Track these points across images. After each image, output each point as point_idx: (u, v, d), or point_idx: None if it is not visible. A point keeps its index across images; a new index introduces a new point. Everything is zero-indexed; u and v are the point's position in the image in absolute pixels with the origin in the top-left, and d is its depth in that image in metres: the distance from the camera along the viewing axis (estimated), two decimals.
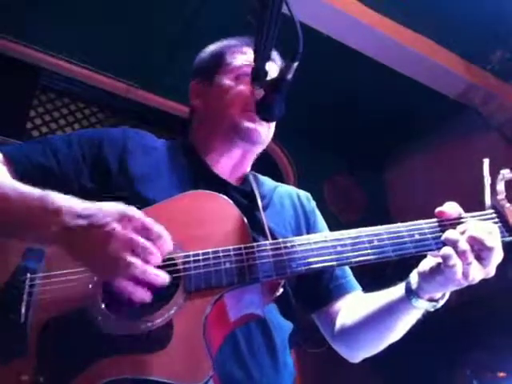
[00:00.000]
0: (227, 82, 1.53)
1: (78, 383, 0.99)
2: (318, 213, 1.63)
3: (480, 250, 1.08)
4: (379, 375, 3.89)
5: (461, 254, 1.06)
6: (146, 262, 1.00)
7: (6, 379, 1.02)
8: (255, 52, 1.21)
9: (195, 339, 1.02)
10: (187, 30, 3.37)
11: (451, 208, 1.19)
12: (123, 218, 1.00)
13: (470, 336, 3.68)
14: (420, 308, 1.20)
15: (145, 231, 1.01)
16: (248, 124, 1.46)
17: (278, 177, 4.35)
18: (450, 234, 1.11)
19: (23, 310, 1.07)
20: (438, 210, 1.19)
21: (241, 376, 1.19)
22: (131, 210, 1.03)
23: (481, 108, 3.93)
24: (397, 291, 1.26)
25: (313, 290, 1.48)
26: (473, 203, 1.20)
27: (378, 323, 1.33)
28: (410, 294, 1.19)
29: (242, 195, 1.45)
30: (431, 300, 1.18)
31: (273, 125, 1.56)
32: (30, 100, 3.66)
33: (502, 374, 3.69)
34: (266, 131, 1.51)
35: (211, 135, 1.54)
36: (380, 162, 4.72)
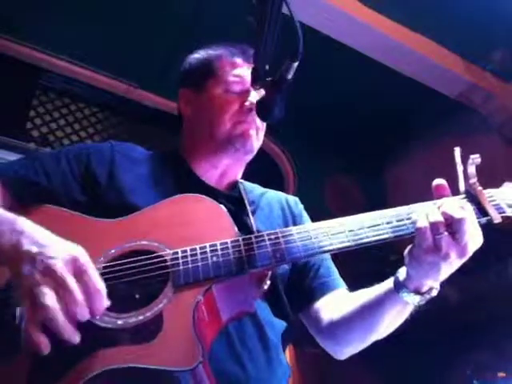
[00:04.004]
0: (218, 92, 1.54)
1: (69, 377, 1.00)
2: (305, 215, 1.65)
3: (452, 224, 1.07)
4: (379, 375, 3.90)
5: (432, 225, 1.07)
6: (66, 310, 0.97)
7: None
8: (255, 52, 1.21)
9: (184, 329, 1.03)
10: (187, 31, 3.37)
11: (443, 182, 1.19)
12: (72, 260, 1.00)
13: (470, 336, 3.69)
14: (407, 301, 1.21)
15: (85, 280, 0.99)
16: (240, 133, 1.49)
17: (278, 177, 4.35)
18: (422, 207, 1.13)
19: (18, 312, 1.07)
20: (435, 184, 1.18)
21: (236, 370, 1.20)
22: (83, 256, 1.02)
23: (481, 108, 3.93)
24: (386, 285, 1.29)
25: (297, 290, 1.49)
26: None
27: (365, 316, 1.34)
28: (398, 285, 1.22)
29: (230, 201, 1.47)
30: (418, 292, 1.19)
31: (263, 128, 1.57)
32: (30, 100, 3.67)
33: (501, 374, 3.69)
34: (256, 139, 1.53)
35: (200, 144, 1.55)
36: (379, 162, 4.72)
